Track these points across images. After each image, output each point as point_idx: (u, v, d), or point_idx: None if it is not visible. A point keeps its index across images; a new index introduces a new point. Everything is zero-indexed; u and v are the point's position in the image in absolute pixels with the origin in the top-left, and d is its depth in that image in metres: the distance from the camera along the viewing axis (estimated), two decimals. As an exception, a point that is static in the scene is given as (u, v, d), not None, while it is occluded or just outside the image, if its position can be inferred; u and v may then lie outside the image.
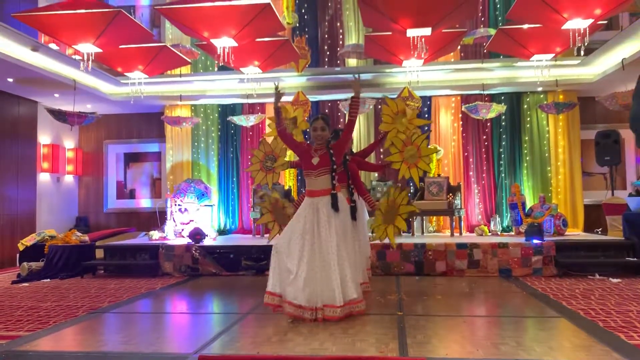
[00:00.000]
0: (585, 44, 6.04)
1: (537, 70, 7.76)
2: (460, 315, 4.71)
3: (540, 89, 9.37)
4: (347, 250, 4.30)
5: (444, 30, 6.71)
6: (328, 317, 4.14)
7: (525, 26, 6.73)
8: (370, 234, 5.36)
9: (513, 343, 3.54)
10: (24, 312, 4.91)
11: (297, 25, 9.38)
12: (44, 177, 10.08)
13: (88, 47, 6.40)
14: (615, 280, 6.20)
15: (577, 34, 6.04)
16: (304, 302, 4.15)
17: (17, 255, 8.36)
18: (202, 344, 3.63)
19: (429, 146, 5.26)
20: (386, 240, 5.08)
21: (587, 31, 6.00)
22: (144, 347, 3.60)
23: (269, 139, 5.50)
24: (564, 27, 6.04)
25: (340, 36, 10.05)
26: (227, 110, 10.37)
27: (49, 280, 7.14)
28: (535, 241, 6.97)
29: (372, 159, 9.57)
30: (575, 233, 8.81)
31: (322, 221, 4.30)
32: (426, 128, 9.80)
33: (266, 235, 9.10)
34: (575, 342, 3.60)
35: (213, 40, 6.39)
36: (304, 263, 4.21)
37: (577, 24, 5.94)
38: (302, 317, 4.15)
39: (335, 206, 4.31)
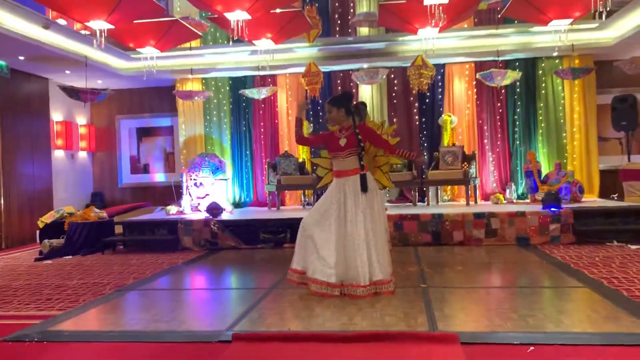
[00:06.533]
0: (608, 7, 5.89)
1: (553, 35, 7.57)
2: (483, 286, 4.76)
3: (555, 54, 9.19)
4: (375, 230, 4.30)
5: (460, -3, 6.57)
6: (353, 295, 4.17)
7: (545, -10, 6.56)
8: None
9: (540, 315, 3.58)
10: (52, 291, 4.98)
11: (308, -6, 9.22)
12: (58, 154, 10.12)
13: (101, 24, 6.33)
14: (634, 247, 6.19)
15: (598, -3, 5.89)
16: (333, 280, 4.19)
17: (37, 232, 8.46)
18: (232, 321, 3.68)
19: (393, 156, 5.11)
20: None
21: (609, -6, 5.86)
22: (175, 325, 3.67)
23: None
24: (585, -11, 5.89)
25: (352, 4, 9.86)
26: (238, 83, 10.28)
27: (70, 257, 7.23)
28: (553, 209, 6.96)
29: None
30: (591, 199, 8.78)
31: (349, 201, 4.30)
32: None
33: (282, 208, 9.17)
34: (602, 313, 3.62)
35: (226, 14, 6.29)
36: (332, 242, 4.23)
37: (599, -15, 5.80)
38: (330, 294, 4.18)
39: (364, 187, 4.30)
